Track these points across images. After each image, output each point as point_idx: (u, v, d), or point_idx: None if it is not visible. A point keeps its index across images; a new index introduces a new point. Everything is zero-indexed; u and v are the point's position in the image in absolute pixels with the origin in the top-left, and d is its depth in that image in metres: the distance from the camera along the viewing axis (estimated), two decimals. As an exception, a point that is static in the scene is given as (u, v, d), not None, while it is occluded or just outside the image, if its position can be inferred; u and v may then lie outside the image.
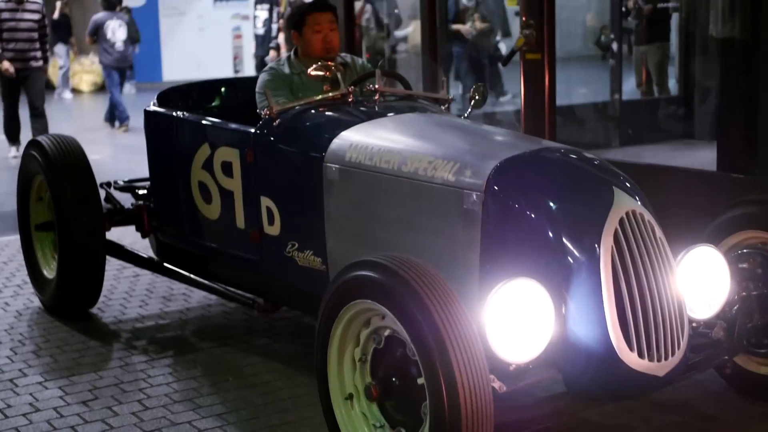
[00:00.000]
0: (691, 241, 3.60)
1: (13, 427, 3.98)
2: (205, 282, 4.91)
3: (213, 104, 5.52)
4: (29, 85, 11.08)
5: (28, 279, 5.75)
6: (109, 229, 5.30)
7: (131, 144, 12.23)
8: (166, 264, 5.23)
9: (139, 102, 17.38)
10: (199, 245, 4.92)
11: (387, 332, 3.17)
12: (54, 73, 19.86)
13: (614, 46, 10.89)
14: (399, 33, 11.59)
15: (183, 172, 4.84)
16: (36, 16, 11.03)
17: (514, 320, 3.08)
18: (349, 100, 4.39)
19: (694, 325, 3.49)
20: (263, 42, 13.85)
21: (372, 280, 3.08)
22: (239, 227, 4.53)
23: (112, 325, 5.25)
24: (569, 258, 3.25)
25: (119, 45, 14.26)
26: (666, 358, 3.25)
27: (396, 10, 11.98)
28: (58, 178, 5.06)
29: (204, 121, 4.82)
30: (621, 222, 3.28)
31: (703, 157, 8.39)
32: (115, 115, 14.45)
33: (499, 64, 12.15)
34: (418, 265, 3.06)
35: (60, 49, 19.88)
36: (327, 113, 4.34)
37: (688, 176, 5.79)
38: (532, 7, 5.87)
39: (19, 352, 4.85)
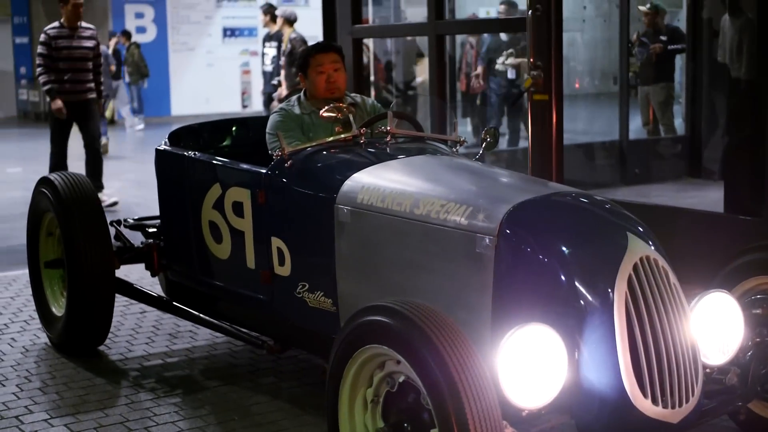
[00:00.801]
0: (700, 284, 3.59)
1: (20, 467, 3.96)
2: (214, 321, 4.90)
3: (224, 143, 5.53)
4: (83, 121, 9.84)
5: (34, 314, 5.75)
6: (118, 267, 5.29)
7: (140, 179, 12.25)
8: (175, 303, 5.21)
9: (147, 136, 17.53)
10: (208, 284, 4.91)
11: (401, 378, 3.16)
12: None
13: (617, 85, 10.96)
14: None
15: (194, 212, 4.84)
16: (91, 44, 9.89)
17: (527, 366, 3.07)
18: (361, 141, 4.40)
19: (707, 371, 3.47)
20: (271, 78, 13.91)
21: (387, 325, 3.06)
22: (249, 267, 4.52)
23: (118, 362, 5.23)
24: (583, 303, 3.24)
25: None
26: (680, 405, 3.23)
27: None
28: (69, 215, 5.06)
29: (215, 161, 4.83)
30: (635, 267, 3.27)
31: (709, 198, 8.40)
32: None
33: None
34: (433, 311, 3.05)
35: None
36: (339, 155, 4.35)
37: (694, 218, 5.79)
38: (540, 48, 5.90)
39: (25, 388, 4.83)
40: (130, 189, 11.96)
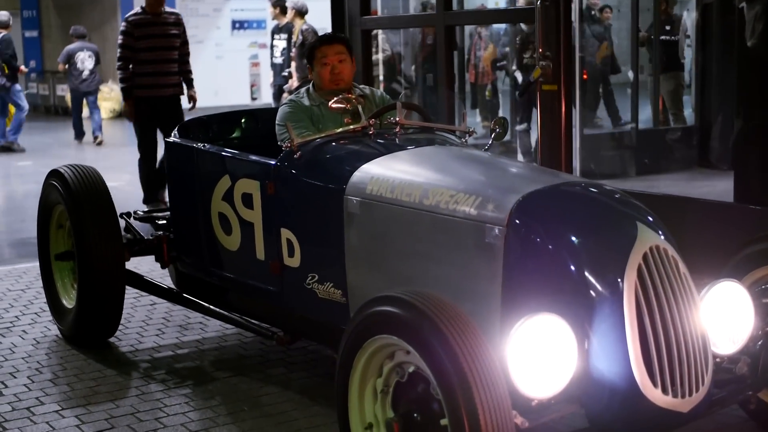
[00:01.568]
0: (710, 274, 3.59)
1: (32, 458, 3.98)
2: (225, 312, 4.91)
3: (233, 135, 5.53)
4: (166, 120, 8.41)
5: (45, 307, 5.77)
6: (128, 259, 5.30)
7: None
8: (185, 294, 5.22)
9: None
10: (218, 276, 4.92)
11: (411, 368, 3.16)
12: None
13: (630, 75, 10.92)
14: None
15: (203, 203, 4.85)
16: (176, 30, 8.87)
17: (537, 355, 3.07)
18: (370, 132, 4.40)
19: (717, 360, 3.47)
20: (281, 71, 13.90)
21: (396, 316, 3.07)
22: (259, 258, 4.53)
23: (129, 354, 5.24)
24: (592, 293, 3.24)
25: (86, 73, 16.22)
26: (690, 394, 3.23)
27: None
28: (79, 208, 5.07)
29: (225, 153, 4.84)
30: (645, 257, 3.27)
31: (719, 187, 8.38)
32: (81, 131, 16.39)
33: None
34: (442, 302, 3.05)
35: None
36: (348, 146, 4.35)
37: (704, 207, 5.77)
38: (549, 38, 5.89)
39: (36, 380, 4.85)
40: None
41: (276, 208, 4.40)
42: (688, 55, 11.32)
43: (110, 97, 21.49)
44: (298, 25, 12.54)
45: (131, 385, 4.78)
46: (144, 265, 6.22)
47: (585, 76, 10.79)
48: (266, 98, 17.64)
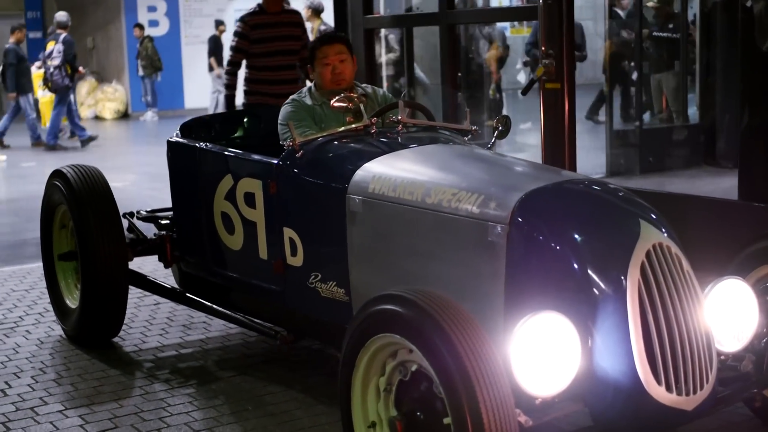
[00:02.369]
0: (715, 271, 3.57)
1: (35, 458, 3.98)
2: (228, 312, 4.90)
3: (236, 135, 5.53)
4: None
5: (49, 307, 5.77)
6: (131, 259, 5.29)
7: (153, 171, 12.27)
8: (189, 294, 5.22)
9: (160, 129, 17.56)
10: (221, 275, 4.91)
11: (414, 367, 3.15)
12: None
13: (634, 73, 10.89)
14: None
15: (206, 203, 4.85)
16: (297, 31, 7.69)
17: (540, 354, 3.05)
18: (372, 131, 4.39)
19: (722, 358, 3.45)
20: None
21: (399, 314, 3.06)
22: (262, 258, 4.52)
23: (132, 354, 5.24)
24: (595, 291, 3.22)
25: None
26: (694, 392, 3.21)
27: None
28: (81, 208, 5.07)
29: (227, 152, 4.83)
30: (648, 255, 3.25)
31: (724, 185, 8.36)
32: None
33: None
34: (443, 299, 3.04)
35: None
36: (350, 144, 4.34)
37: (708, 205, 5.76)
38: (552, 36, 5.88)
39: (40, 380, 4.85)
40: (144, 181, 12.00)
41: (278, 207, 4.40)
42: (693, 53, 11.29)
43: (114, 97, 21.53)
44: (316, 24, 12.40)
45: (135, 384, 4.78)
46: (147, 265, 6.22)
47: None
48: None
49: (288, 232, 4.34)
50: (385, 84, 10.52)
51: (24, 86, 16.10)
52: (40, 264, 5.77)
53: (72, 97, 15.95)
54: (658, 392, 3.15)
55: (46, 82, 15.63)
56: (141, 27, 20.85)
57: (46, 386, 4.76)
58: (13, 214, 10.21)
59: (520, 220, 3.42)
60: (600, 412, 3.25)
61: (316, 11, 12.38)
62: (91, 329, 5.21)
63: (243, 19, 7.58)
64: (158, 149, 14.31)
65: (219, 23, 19.62)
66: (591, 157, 10.40)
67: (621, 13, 12.43)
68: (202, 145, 4.96)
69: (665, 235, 3.37)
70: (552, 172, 3.86)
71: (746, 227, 5.26)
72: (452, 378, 2.89)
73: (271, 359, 5.06)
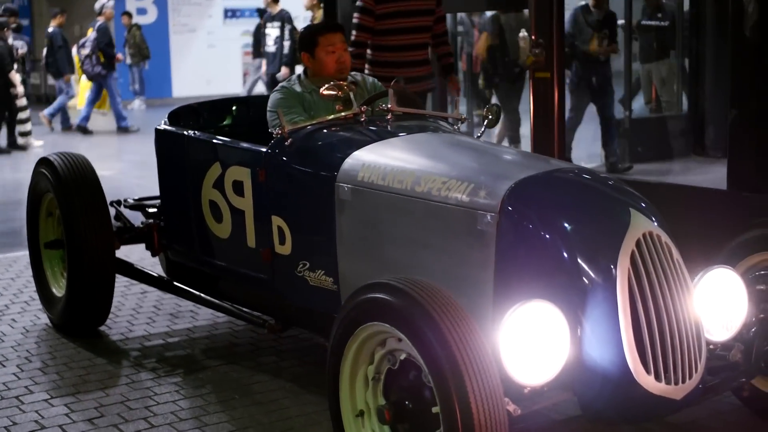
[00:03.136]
0: (704, 261, 3.57)
1: (21, 447, 3.95)
2: (215, 301, 4.88)
3: (224, 123, 5.49)
4: None
5: (35, 295, 5.74)
6: (118, 248, 5.27)
7: (141, 160, 12.22)
8: (176, 283, 5.19)
9: (148, 117, 17.48)
10: (209, 264, 4.89)
11: (403, 356, 3.13)
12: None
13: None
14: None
15: (194, 191, 4.82)
16: (431, 3, 6.68)
17: (530, 343, 3.05)
18: (362, 119, 4.37)
19: (711, 347, 3.45)
20: (274, 59, 13.86)
21: (387, 303, 3.04)
22: (250, 246, 4.50)
23: (119, 343, 5.21)
24: (585, 280, 3.22)
25: None
26: (683, 381, 3.21)
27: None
28: (68, 196, 5.04)
29: (215, 140, 4.80)
30: (638, 244, 3.24)
31: (713, 175, 8.36)
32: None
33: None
34: (432, 287, 3.03)
35: None
36: (339, 133, 4.32)
37: (698, 195, 5.76)
38: (542, 26, 5.87)
39: (26, 369, 4.81)
40: (131, 170, 11.95)
41: (267, 196, 4.37)
42: (681, 42, 11.29)
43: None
44: (318, 14, 12.27)
45: (121, 373, 4.75)
46: (134, 253, 6.18)
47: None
48: (259, 87, 17.53)
49: (276, 221, 4.32)
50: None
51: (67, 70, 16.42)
52: (26, 252, 5.73)
53: (113, 84, 16.03)
54: (647, 381, 3.14)
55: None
56: (129, 15, 20.73)
57: (31, 375, 4.73)
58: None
59: (509, 208, 3.40)
60: (589, 401, 3.25)
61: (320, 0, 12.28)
62: (77, 318, 5.18)
63: None
64: (146, 138, 14.30)
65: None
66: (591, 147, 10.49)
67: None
68: (190, 133, 4.93)
69: (655, 224, 3.36)
70: (542, 161, 3.85)
71: (736, 217, 5.26)
72: (441, 367, 2.87)
73: (258, 348, 5.04)
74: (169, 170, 5.15)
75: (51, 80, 17.79)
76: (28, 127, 14.14)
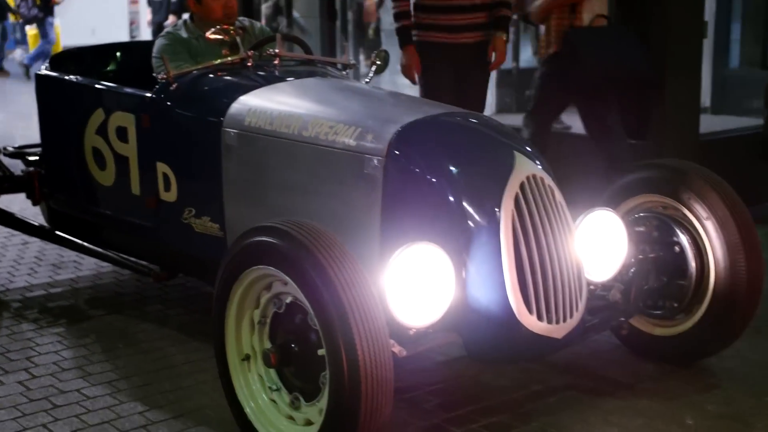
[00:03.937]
0: (588, 204, 3.63)
1: None
2: (99, 250, 4.79)
3: (108, 69, 5.36)
4: (463, 77, 5.62)
5: None
6: (-2, 197, 5.13)
7: (23, 110, 11.88)
8: (58, 232, 5.08)
9: (33, 66, 16.98)
10: (92, 212, 4.79)
11: (288, 299, 3.12)
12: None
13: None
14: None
15: (76, 138, 4.70)
16: None
17: (415, 284, 3.06)
18: (249, 64, 4.31)
19: (591, 287, 3.53)
20: (160, 8, 13.59)
21: (271, 245, 3.02)
22: (134, 193, 4.42)
23: None
24: (470, 222, 3.24)
25: None
26: (564, 321, 3.28)
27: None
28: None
29: (98, 85, 4.68)
30: (522, 186, 3.28)
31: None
32: None
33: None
34: (317, 230, 3.02)
35: None
36: (226, 78, 4.26)
37: (582, 141, 5.86)
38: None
39: None
40: (12, 119, 11.60)
41: (152, 142, 4.30)
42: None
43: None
44: None
45: (1, 325, 4.63)
46: (15, 204, 6.02)
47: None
48: (146, 36, 17.18)
49: (161, 167, 4.25)
50: (263, 21, 10.37)
51: None
52: None
53: (49, 28, 15.63)
54: (530, 321, 3.19)
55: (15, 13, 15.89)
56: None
57: None
58: None
59: (396, 152, 3.41)
60: (473, 342, 3.29)
61: None
62: (-44, 269, 5.04)
63: None
64: (28, 87, 13.91)
65: None
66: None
67: None
68: (72, 78, 4.80)
69: (539, 167, 3.40)
70: (428, 105, 3.85)
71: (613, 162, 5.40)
72: (326, 309, 2.87)
73: (143, 297, 4.97)
74: (51, 117, 5.02)
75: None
76: None
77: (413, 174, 3.37)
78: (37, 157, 5.25)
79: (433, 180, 3.33)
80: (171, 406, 3.70)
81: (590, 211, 3.54)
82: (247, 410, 3.28)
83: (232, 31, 4.40)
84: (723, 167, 4.12)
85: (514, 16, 7.17)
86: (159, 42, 4.69)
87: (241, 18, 4.92)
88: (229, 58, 4.35)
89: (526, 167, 3.33)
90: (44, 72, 5.03)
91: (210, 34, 4.37)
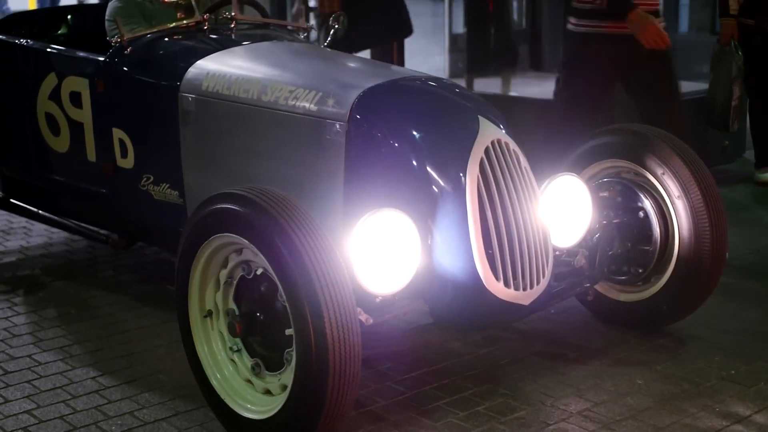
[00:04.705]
0: (549, 170, 3.61)
1: None
2: (56, 218, 4.69)
3: (59, 32, 5.22)
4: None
5: None
6: (-53, 165, 4.99)
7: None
8: (12, 200, 4.95)
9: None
10: (46, 179, 4.67)
11: (259, 270, 3.04)
12: None
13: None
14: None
15: (28, 104, 4.57)
16: None
17: (380, 252, 3.03)
18: (204, 28, 4.22)
19: (557, 253, 3.51)
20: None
21: (234, 212, 2.96)
22: (90, 160, 4.32)
23: (-54, 262, 4.99)
24: (435, 188, 3.21)
25: None
26: (531, 287, 3.26)
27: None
28: None
29: (50, 49, 4.55)
30: (486, 151, 3.24)
31: (550, 88, 8.52)
32: None
33: None
34: (281, 196, 2.95)
35: None
36: (182, 41, 4.17)
37: (539, 107, 5.84)
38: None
39: None
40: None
41: (107, 107, 4.20)
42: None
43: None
44: None
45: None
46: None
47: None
48: None
49: (117, 133, 4.15)
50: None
51: None
52: None
53: None
54: (497, 288, 3.17)
55: None
56: None
57: None
58: None
59: (358, 117, 3.35)
60: (440, 309, 3.27)
61: None
62: None
63: None
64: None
65: None
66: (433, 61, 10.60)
67: None
68: (23, 41, 4.67)
69: (503, 131, 3.37)
70: (389, 69, 3.80)
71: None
72: (292, 276, 2.81)
73: (95, 263, 4.91)
74: (1, 82, 4.88)
75: None
76: None
77: (376, 139, 3.32)
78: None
79: (397, 145, 3.28)
80: (124, 372, 3.67)
81: (555, 176, 3.52)
82: (207, 370, 3.21)
83: (187, -6, 4.31)
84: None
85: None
86: (112, 5, 4.57)
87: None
88: (185, 22, 4.25)
89: (490, 132, 3.30)
90: (-7, 36, 4.89)
91: (165, -3, 4.27)
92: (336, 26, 4.53)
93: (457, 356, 3.73)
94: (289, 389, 2.91)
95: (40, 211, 4.77)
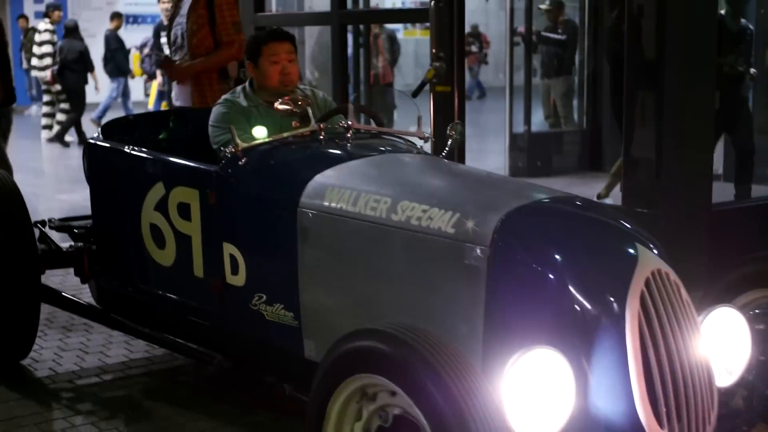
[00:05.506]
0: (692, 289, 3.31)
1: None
2: (156, 334, 4.44)
3: (160, 137, 5.07)
4: None
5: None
6: (43, 272, 4.80)
7: (38, 168, 11.57)
8: (112, 314, 4.73)
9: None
10: (148, 293, 4.46)
11: (396, 410, 2.78)
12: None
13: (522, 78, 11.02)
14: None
15: (132, 213, 4.38)
16: None
17: (533, 393, 2.75)
18: (321, 137, 4.03)
19: (717, 395, 3.20)
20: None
21: (379, 351, 2.70)
22: (197, 276, 4.10)
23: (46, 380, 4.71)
24: (590, 323, 2.93)
25: None
26: (697, 435, 2.94)
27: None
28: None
29: (158, 157, 4.38)
30: (647, 283, 2.97)
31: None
32: None
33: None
34: (432, 336, 2.70)
35: None
36: (299, 152, 3.98)
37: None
38: (442, 39, 5.77)
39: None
40: (29, 179, 11.25)
41: (218, 220, 3.99)
42: (579, 59, 11.41)
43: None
44: None
45: (54, 416, 4.27)
46: (53, 278, 5.67)
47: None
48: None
49: (228, 248, 3.93)
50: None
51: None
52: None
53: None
54: (660, 435, 2.87)
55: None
56: (26, 18, 20.00)
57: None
58: None
59: (502, 241, 3.09)
60: (595, 457, 2.96)
61: None
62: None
63: None
64: (44, 145, 13.73)
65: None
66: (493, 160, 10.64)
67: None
68: (130, 148, 4.50)
69: (662, 260, 3.09)
70: (531, 188, 3.54)
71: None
72: (446, 422, 2.55)
73: (201, 388, 4.61)
74: (103, 188, 4.71)
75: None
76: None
77: (523, 267, 3.05)
78: (84, 230, 4.93)
79: (546, 274, 3.01)
80: None
81: (712, 308, 3.22)
82: None
83: (301, 101, 4.13)
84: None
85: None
86: (217, 110, 4.42)
87: (301, 86, 4.65)
88: (300, 130, 4.06)
89: (650, 261, 3.02)
90: (95, 141, 4.74)
91: (279, 105, 4.10)
92: (454, 135, 4.32)
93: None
94: None
95: (140, 327, 4.53)
